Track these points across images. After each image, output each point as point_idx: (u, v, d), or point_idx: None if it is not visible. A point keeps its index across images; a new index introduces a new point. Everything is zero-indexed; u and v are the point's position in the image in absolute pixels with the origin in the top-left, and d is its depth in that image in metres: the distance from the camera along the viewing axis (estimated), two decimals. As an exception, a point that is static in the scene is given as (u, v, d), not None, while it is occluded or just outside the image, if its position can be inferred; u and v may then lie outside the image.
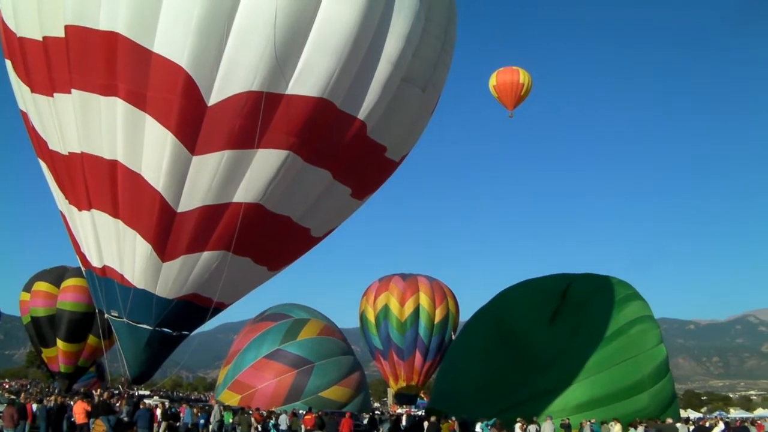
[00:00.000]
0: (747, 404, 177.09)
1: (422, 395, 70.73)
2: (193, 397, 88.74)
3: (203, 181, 21.06)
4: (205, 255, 22.43)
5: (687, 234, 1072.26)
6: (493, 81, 58.91)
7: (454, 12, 25.00)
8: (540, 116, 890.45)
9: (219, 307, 24.99)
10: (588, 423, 36.90)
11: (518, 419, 36.28)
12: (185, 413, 37.58)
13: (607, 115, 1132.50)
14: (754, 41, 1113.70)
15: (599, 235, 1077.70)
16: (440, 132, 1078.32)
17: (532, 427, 36.14)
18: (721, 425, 48.43)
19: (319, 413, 38.87)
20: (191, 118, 20.24)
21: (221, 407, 38.65)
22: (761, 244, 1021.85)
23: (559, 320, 42.80)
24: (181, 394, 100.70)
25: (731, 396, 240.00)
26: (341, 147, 22.40)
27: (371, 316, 63.05)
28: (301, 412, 40.34)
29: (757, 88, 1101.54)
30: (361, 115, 21.88)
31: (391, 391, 74.61)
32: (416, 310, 60.54)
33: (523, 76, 58.52)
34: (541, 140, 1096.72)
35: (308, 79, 20.44)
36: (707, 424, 51.24)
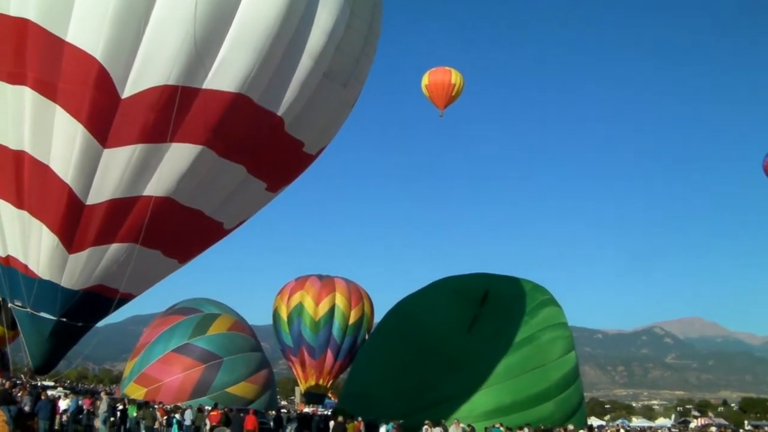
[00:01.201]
0: (649, 413, 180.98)
1: (330, 395, 70.83)
2: (99, 390, 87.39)
3: (114, 174, 20.76)
4: (113, 247, 22.18)
5: (599, 244, 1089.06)
6: (425, 81, 59.20)
7: (379, 6, 24.99)
8: (471, 116, 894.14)
9: (126, 298, 24.74)
10: (493, 427, 37.32)
11: (426, 422, 36.60)
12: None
13: (537, 117, 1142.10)
14: (686, 44, 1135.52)
15: (517, 238, 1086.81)
16: (369, 130, 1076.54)
17: (437, 430, 36.51)
18: (622, 433, 49.46)
19: (225, 410, 38.67)
20: (103, 110, 19.88)
21: (110, 400, 37.89)
22: (669, 257, 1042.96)
23: (477, 326, 43.09)
24: (86, 386, 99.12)
25: (634, 405, 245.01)
26: (258, 142, 22.30)
27: (284, 314, 62.84)
28: (207, 408, 40.04)
29: (684, 92, 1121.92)
30: (280, 110, 21.80)
31: (299, 390, 74.50)
32: (331, 310, 60.53)
33: (455, 77, 58.86)
34: (470, 140, 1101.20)
35: (226, 74, 20.28)
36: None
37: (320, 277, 63.38)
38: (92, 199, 21.12)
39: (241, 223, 26.48)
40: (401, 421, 37.34)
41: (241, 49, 20.12)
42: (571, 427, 40.79)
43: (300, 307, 60.75)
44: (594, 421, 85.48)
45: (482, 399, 40.14)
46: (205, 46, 19.78)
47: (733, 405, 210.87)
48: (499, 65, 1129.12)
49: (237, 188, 23.31)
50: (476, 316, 43.82)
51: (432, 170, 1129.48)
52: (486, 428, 37.81)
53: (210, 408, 39.21)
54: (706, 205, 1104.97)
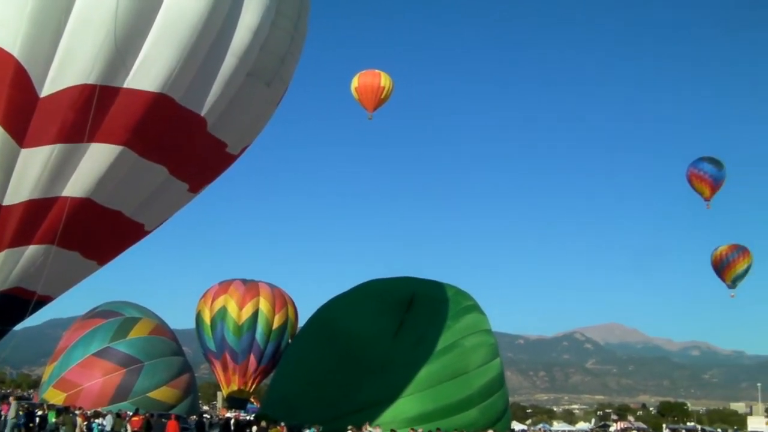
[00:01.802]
0: (570, 418, 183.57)
1: (253, 400, 70.38)
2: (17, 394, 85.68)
3: (31, 174, 20.26)
4: (30, 249, 21.67)
5: (520, 249, 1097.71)
6: (354, 83, 59.27)
7: (306, 6, 24.82)
8: (399, 120, 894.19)
9: (43, 301, 24.24)
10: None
11: (349, 427, 36.63)
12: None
13: (464, 121, 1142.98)
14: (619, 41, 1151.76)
15: (440, 243, 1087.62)
16: (297, 132, 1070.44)
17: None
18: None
19: (146, 415, 38.21)
20: (21, 109, 19.37)
21: (20, 404, 37.04)
22: (590, 264, 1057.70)
23: (402, 332, 43.11)
24: (2, 391, 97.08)
25: (555, 410, 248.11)
26: (180, 143, 21.97)
27: (207, 318, 62.30)
28: (128, 413, 39.53)
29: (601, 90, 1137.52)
30: (203, 110, 21.52)
31: (221, 395, 73.74)
32: (255, 315, 60.14)
33: (384, 80, 59.03)
34: (398, 144, 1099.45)
35: (148, 73, 19.93)
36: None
37: (244, 281, 62.95)
38: (9, 200, 20.63)
39: (161, 223, 26.18)
40: (321, 428, 37.28)
41: (163, 48, 19.81)
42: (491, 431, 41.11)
43: (223, 311, 60.27)
44: (516, 426, 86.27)
45: (405, 406, 40.18)
46: (126, 44, 19.41)
47: (651, 409, 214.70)
48: (430, 67, 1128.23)
49: (158, 189, 22.94)
50: (402, 322, 43.86)
51: (359, 173, 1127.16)
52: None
53: (131, 413, 38.73)
54: (626, 212, 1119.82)
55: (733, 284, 65.95)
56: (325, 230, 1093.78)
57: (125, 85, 19.91)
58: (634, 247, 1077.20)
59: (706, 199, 64.66)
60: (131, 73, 19.84)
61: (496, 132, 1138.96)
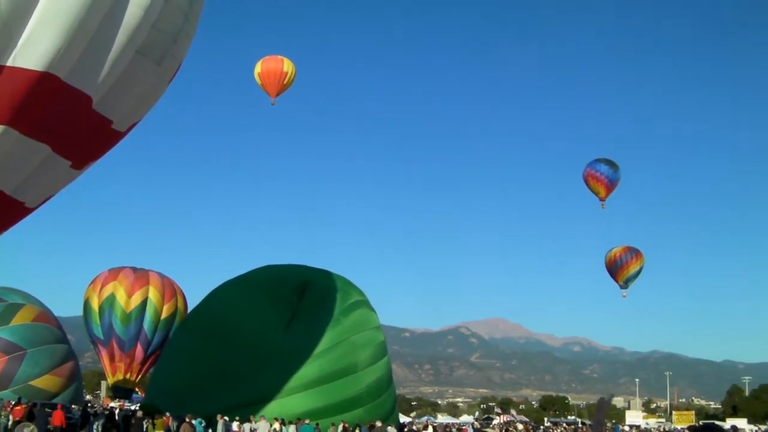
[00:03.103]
0: (454, 411, 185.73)
1: (138, 390, 69.49)
2: None
3: None
4: None
5: (408, 242, 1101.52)
6: (258, 69, 59.11)
7: None
8: (302, 106, 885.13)
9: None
10: (303, 423, 37.50)
11: (236, 418, 36.50)
12: None
13: (367, 108, 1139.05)
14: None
15: (331, 233, 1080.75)
16: (199, 117, 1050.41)
17: (246, 426, 36.51)
18: (430, 429, 50.50)
19: (29, 404, 37.37)
20: None
21: None
22: (475, 258, 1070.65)
23: (294, 323, 42.92)
24: None
25: (440, 402, 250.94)
26: (64, 121, 21.39)
27: (95, 305, 61.20)
28: (11, 402, 38.61)
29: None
30: (89, 88, 20.99)
31: (105, 384, 72.50)
32: (143, 304, 59.36)
33: (287, 65, 58.98)
34: (300, 129, 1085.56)
35: (33, 51, 19.37)
36: (414, 428, 53.39)
37: (134, 269, 62.10)
38: None
39: (44, 201, 25.59)
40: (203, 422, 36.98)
41: (50, 24, 19.24)
42: (379, 423, 41.33)
43: (112, 299, 59.32)
44: (400, 418, 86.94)
45: (293, 402, 39.86)
46: (10, 21, 18.86)
47: (533, 403, 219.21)
48: (335, 53, 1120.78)
49: (40, 167, 22.37)
50: (295, 313, 43.71)
51: (261, 160, 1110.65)
52: (295, 424, 37.95)
53: (14, 402, 37.83)
54: (518, 208, 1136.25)
55: (625, 285, 67.83)
56: (220, 218, 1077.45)
57: (9, 63, 19.38)
58: (521, 244, 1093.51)
59: (602, 200, 66.28)
60: (16, 50, 19.27)
61: (397, 120, 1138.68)
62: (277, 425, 37.05)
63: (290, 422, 37.90)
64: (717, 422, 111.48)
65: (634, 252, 68.18)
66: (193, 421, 35.03)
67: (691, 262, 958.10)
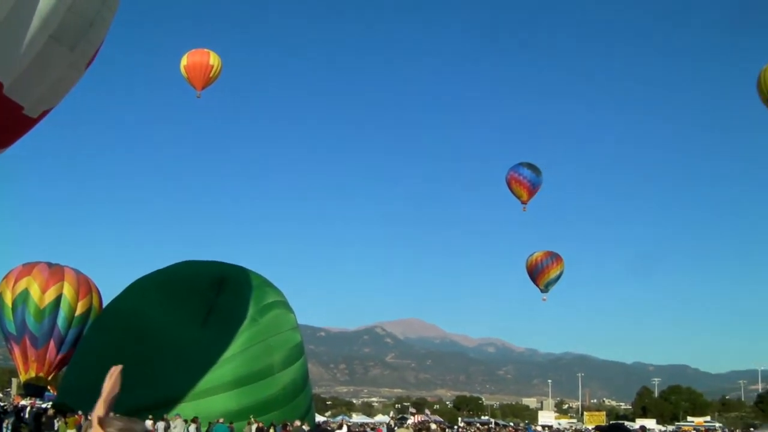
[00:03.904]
0: (368, 410, 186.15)
1: (50, 388, 68.43)
2: None
3: None
4: None
5: (324, 242, 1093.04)
6: (184, 62, 58.75)
7: None
8: (228, 99, 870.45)
9: None
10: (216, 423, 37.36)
11: (150, 416, 36.22)
12: None
13: (294, 104, 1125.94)
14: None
15: (248, 231, 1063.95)
16: (123, 110, 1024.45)
17: (160, 425, 36.27)
18: (345, 429, 50.65)
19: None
20: None
21: None
22: (391, 258, 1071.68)
23: (210, 321, 42.56)
24: None
25: (355, 402, 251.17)
26: (-27, 106, 21.09)
27: (9, 300, 59.97)
28: None
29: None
30: None
31: (17, 381, 71.07)
32: (58, 300, 58.31)
33: (213, 59, 58.76)
34: (225, 122, 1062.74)
35: None
36: (329, 427, 53.52)
37: (50, 264, 61.05)
38: None
39: None
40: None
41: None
42: (297, 422, 41.41)
43: (25, 294, 58.18)
44: (316, 418, 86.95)
45: (209, 404, 39.55)
46: None
47: (448, 403, 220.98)
48: (259, 46, 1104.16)
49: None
50: (211, 308, 43.39)
51: (184, 153, 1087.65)
52: (210, 423, 37.82)
53: None
54: (432, 210, 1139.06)
55: (545, 289, 68.80)
56: (139, 214, 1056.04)
57: None
58: (439, 245, 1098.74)
59: (523, 203, 67.16)
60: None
61: (319, 118, 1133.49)
62: (192, 427, 36.85)
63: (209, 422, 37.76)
64: (626, 423, 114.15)
65: (554, 257, 69.26)
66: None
67: (604, 265, 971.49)
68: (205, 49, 59.92)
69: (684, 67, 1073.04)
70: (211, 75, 58.89)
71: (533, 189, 67.11)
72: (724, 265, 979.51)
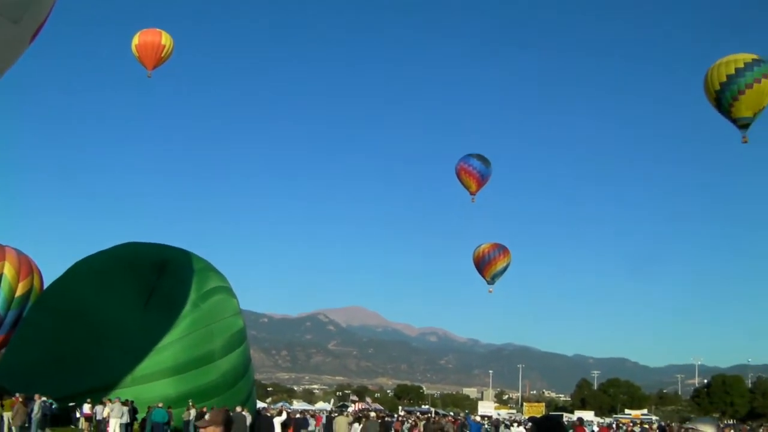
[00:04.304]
0: (309, 397, 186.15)
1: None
2: None
3: None
4: None
5: (268, 227, 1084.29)
6: (135, 41, 58.09)
7: None
8: (180, 79, 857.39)
9: None
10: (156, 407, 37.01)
11: (88, 399, 35.82)
12: None
13: (245, 87, 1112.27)
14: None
15: (192, 212, 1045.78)
16: (71, 90, 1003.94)
17: (99, 408, 35.85)
18: (284, 415, 50.37)
19: None
20: None
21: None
22: (335, 246, 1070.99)
23: (152, 305, 42.04)
24: None
25: (296, 389, 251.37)
26: None
27: (-50, 281, 59.20)
28: None
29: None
30: None
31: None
32: (-3, 280, 57.63)
33: (165, 38, 58.14)
34: (178, 104, 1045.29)
35: None
36: (269, 414, 53.30)
37: (-9, 244, 60.18)
38: None
39: None
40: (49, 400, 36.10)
41: None
42: (239, 408, 41.15)
43: (-34, 274, 57.40)
44: (257, 404, 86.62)
45: (148, 390, 38.97)
46: None
47: (389, 391, 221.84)
48: (211, 27, 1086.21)
49: None
50: (153, 290, 42.86)
51: (132, 133, 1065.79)
52: (149, 407, 37.46)
53: None
54: (379, 199, 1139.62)
55: (492, 281, 68.93)
56: (85, 193, 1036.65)
57: None
58: (376, 233, 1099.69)
59: (472, 194, 67.29)
60: None
61: (270, 102, 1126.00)
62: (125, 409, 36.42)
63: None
64: (565, 414, 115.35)
65: (501, 249, 69.43)
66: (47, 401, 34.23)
67: (547, 257, 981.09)
68: (157, 29, 59.30)
69: (635, 69, 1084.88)
70: (162, 55, 58.28)
71: (482, 180, 67.22)
72: (663, 261, 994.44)
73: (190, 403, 39.25)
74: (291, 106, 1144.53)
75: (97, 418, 36.48)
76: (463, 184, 67.41)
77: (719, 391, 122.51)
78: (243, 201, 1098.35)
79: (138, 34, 58.16)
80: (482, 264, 68.61)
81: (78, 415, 38.13)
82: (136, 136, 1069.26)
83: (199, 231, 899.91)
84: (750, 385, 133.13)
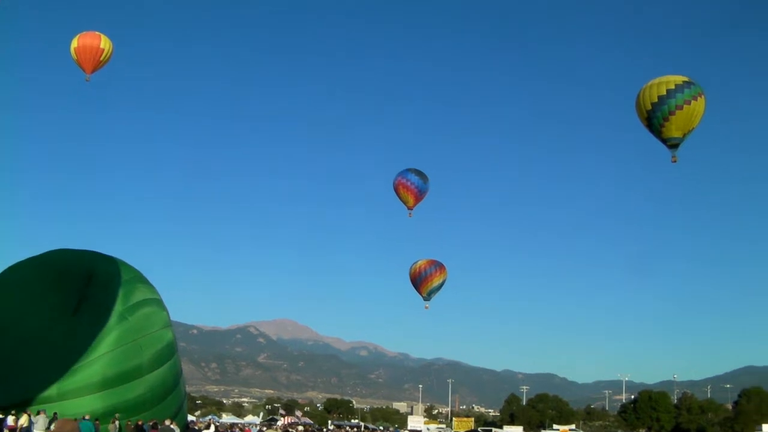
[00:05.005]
0: (239, 410, 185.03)
1: None
2: None
3: None
4: None
5: (199, 239, 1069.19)
6: (74, 44, 57.36)
7: None
8: (119, 83, 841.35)
9: None
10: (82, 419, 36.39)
11: (12, 411, 35.15)
12: None
13: (185, 86, 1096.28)
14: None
15: (131, 224, 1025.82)
16: (6, 92, 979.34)
17: (23, 419, 35.20)
18: (212, 428, 49.97)
19: None
20: None
21: None
22: (267, 258, 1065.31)
23: (80, 316, 41.20)
24: None
25: (225, 402, 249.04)
26: None
27: None
28: None
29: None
30: None
31: None
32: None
33: (104, 42, 57.57)
34: (116, 108, 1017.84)
35: None
36: (197, 427, 52.79)
37: None
38: None
39: None
40: None
41: None
42: (167, 422, 40.62)
43: None
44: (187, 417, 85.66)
45: (75, 405, 38.29)
46: None
47: (318, 405, 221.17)
48: (153, 31, 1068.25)
49: None
50: (81, 300, 42.00)
51: (70, 138, 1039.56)
52: (75, 419, 36.76)
53: None
54: (303, 211, 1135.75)
55: (428, 297, 69.30)
56: (16, 199, 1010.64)
57: None
58: (317, 247, 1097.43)
59: (410, 208, 67.62)
60: None
61: (209, 106, 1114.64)
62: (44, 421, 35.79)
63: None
64: (494, 429, 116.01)
65: (437, 265, 69.88)
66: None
67: (478, 273, 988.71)
68: (97, 32, 58.69)
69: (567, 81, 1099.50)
70: (101, 59, 57.77)
71: (420, 195, 67.77)
72: (590, 277, 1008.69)
73: (116, 416, 38.65)
74: (228, 111, 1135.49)
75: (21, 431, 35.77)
76: (401, 198, 67.78)
77: (646, 407, 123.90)
78: (177, 210, 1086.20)
79: (77, 36, 57.57)
80: (418, 280, 68.96)
81: (2, 427, 37.31)
82: (73, 139, 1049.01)
83: (131, 239, 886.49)
84: (675, 401, 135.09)
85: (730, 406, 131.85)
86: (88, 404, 38.59)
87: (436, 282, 69.18)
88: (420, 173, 68.52)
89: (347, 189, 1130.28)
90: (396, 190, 67.65)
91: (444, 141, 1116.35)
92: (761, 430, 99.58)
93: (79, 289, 42.36)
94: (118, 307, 41.88)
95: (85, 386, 39.04)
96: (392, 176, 69.04)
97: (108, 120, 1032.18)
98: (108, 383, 39.62)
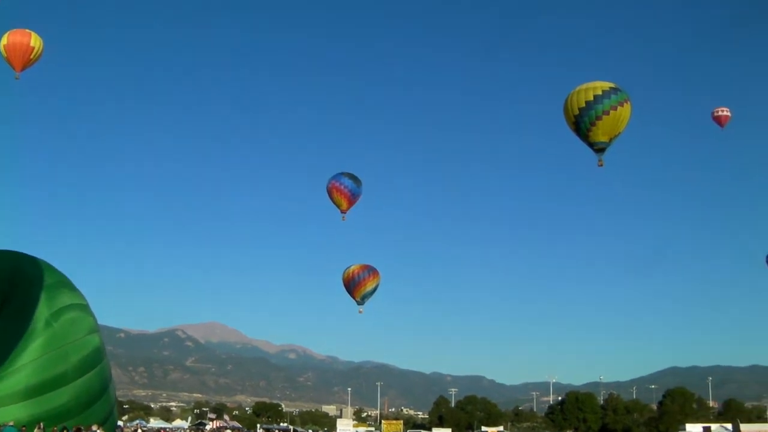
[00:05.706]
0: (167, 415, 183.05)
1: None
2: None
3: None
4: None
5: (125, 240, 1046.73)
6: (3, 41, 56.37)
7: None
8: (53, 81, 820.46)
9: None
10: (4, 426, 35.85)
11: None
12: None
13: (122, 88, 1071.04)
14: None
15: (57, 224, 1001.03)
16: None
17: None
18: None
19: None
20: None
21: None
22: (194, 260, 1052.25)
23: (4, 314, 40.37)
24: None
25: (153, 406, 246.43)
26: None
27: None
28: None
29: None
30: None
31: None
32: None
33: (35, 40, 56.69)
34: (45, 106, 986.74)
35: None
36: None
37: None
38: None
39: None
40: None
41: None
42: (94, 427, 40.15)
43: None
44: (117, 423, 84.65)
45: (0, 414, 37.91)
46: None
47: (247, 409, 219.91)
48: (84, 29, 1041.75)
49: None
50: (4, 301, 41.12)
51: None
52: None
53: None
54: (232, 211, 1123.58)
55: (361, 301, 69.56)
56: None
57: None
58: (244, 249, 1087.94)
59: (343, 212, 67.82)
60: None
61: (145, 102, 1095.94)
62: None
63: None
64: (423, 431, 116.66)
65: (370, 270, 70.27)
66: None
67: (406, 276, 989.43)
68: (27, 30, 57.84)
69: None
70: (31, 57, 56.95)
71: (353, 198, 68.04)
72: (520, 278, 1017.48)
73: (41, 425, 38.01)
74: (168, 111, 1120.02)
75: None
76: (334, 202, 67.94)
77: (573, 408, 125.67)
78: (103, 212, 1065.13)
79: (7, 34, 56.72)
80: (352, 285, 69.21)
81: None
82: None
83: (56, 242, 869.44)
84: (602, 402, 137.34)
85: (654, 407, 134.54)
86: (11, 413, 37.90)
87: (369, 287, 69.52)
88: (353, 176, 68.78)
89: (276, 190, 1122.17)
90: (329, 193, 67.81)
91: (375, 149, 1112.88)
92: (685, 429, 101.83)
93: (2, 291, 41.53)
94: (42, 313, 41.12)
95: (7, 395, 38.42)
96: (325, 180, 69.27)
97: (35, 115, 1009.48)
98: (32, 392, 38.99)
